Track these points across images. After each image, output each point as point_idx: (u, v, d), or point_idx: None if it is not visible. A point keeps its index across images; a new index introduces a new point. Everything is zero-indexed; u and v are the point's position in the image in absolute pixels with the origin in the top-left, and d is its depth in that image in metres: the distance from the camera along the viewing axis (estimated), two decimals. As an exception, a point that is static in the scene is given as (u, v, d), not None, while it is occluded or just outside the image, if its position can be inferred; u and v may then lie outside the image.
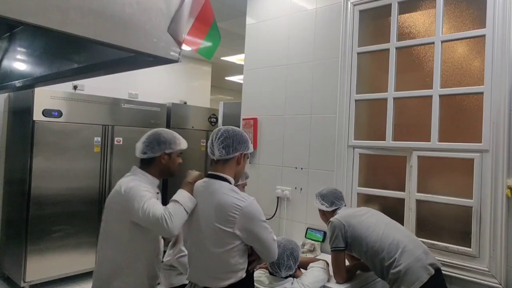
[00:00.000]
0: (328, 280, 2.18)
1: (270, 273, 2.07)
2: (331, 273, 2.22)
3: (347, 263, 2.29)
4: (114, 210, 1.76)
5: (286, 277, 2.03)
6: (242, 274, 1.65)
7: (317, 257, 2.55)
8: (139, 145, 1.87)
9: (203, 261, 1.65)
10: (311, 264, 2.21)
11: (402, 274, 1.93)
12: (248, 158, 1.85)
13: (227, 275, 1.62)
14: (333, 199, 2.35)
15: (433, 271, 1.95)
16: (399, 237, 2.06)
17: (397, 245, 2.00)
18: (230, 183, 1.69)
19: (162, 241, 1.95)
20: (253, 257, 1.72)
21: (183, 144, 1.92)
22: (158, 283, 1.93)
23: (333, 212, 2.32)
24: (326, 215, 2.36)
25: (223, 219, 1.58)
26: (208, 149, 1.76)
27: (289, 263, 2.01)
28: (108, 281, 1.74)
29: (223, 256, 1.60)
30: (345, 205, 2.39)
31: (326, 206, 2.34)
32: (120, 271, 1.74)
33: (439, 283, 2.02)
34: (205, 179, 1.74)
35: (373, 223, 2.15)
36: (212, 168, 1.75)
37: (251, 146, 1.78)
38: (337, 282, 2.18)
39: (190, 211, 1.66)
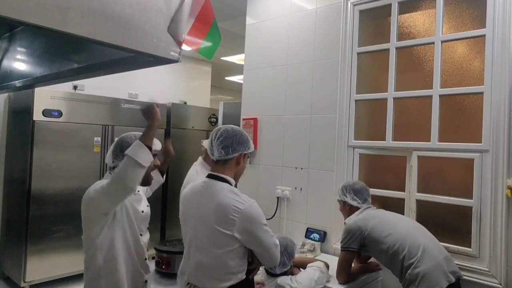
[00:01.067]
0: (328, 281, 2.16)
1: (266, 272, 2.06)
2: (330, 273, 2.19)
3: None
4: (83, 212, 1.74)
5: (281, 274, 2.01)
6: (242, 276, 1.63)
7: (317, 258, 2.55)
8: (108, 155, 1.87)
9: (203, 261, 1.62)
10: (309, 264, 2.21)
11: (420, 276, 1.87)
12: (248, 157, 1.82)
13: (226, 277, 1.60)
14: (366, 196, 2.28)
15: (453, 279, 1.90)
16: (422, 238, 2.00)
17: (419, 246, 1.94)
18: (230, 183, 1.67)
19: (147, 237, 1.92)
20: (254, 265, 1.69)
21: (156, 145, 1.84)
22: (146, 281, 1.89)
23: (357, 209, 2.25)
24: (351, 210, 2.26)
25: (222, 221, 1.56)
26: (208, 149, 1.74)
27: (283, 259, 1.97)
28: (92, 282, 1.74)
29: (222, 257, 1.58)
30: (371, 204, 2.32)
31: (358, 203, 2.25)
32: (104, 270, 1.72)
33: None
34: (205, 179, 1.72)
35: (395, 223, 2.10)
36: (212, 169, 1.73)
37: (251, 145, 1.74)
38: (339, 283, 2.16)
39: (141, 160, 1.57)
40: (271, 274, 2.03)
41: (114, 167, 1.81)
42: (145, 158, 1.60)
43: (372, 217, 2.15)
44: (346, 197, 2.29)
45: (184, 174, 2.55)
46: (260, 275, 2.05)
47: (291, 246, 2.06)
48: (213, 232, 1.57)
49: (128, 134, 1.89)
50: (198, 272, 1.65)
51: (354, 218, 2.19)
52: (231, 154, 1.67)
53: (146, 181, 1.81)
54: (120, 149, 1.80)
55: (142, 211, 1.88)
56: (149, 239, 1.95)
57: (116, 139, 1.89)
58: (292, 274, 2.08)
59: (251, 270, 1.69)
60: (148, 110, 1.70)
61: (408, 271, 1.92)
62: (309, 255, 2.68)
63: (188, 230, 1.70)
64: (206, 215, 1.61)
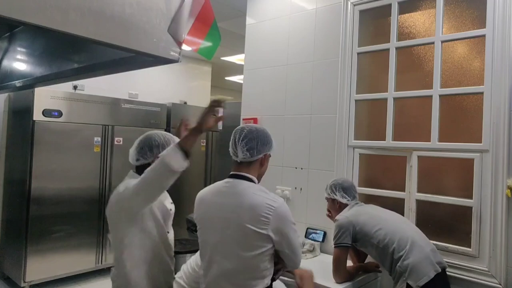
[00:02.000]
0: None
1: None
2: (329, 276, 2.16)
3: (349, 263, 2.26)
4: (113, 210, 1.73)
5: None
6: (268, 281, 1.57)
7: (316, 258, 2.54)
8: (131, 152, 1.83)
9: (230, 267, 1.53)
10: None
11: (410, 268, 1.94)
12: (270, 156, 1.75)
13: (254, 282, 1.52)
14: (354, 193, 2.33)
15: (439, 270, 1.97)
16: (409, 231, 2.07)
17: (408, 239, 2.01)
18: (255, 183, 1.62)
19: (172, 234, 1.89)
20: (280, 266, 1.64)
21: None
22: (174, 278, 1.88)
23: (346, 206, 2.29)
24: (341, 207, 2.30)
25: (255, 220, 1.49)
26: (230, 149, 1.66)
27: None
28: (122, 276, 1.73)
29: (253, 261, 1.51)
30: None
31: (348, 200, 2.29)
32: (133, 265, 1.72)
33: (445, 283, 2.03)
34: (228, 179, 1.64)
35: (384, 218, 2.16)
36: (235, 169, 1.65)
37: (274, 145, 1.69)
38: (336, 282, 2.15)
39: (176, 167, 1.50)
40: None
41: (139, 166, 1.79)
42: (181, 165, 1.52)
43: (362, 213, 2.21)
44: (336, 195, 2.33)
45: (184, 174, 2.54)
46: None
47: None
48: (245, 232, 1.50)
49: (155, 133, 1.87)
50: (222, 280, 1.55)
51: (345, 214, 2.23)
52: (256, 155, 1.62)
53: None
54: (149, 148, 1.78)
55: (170, 209, 1.86)
56: (174, 236, 1.94)
57: (141, 137, 1.85)
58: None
59: (277, 270, 1.64)
60: (213, 108, 1.55)
61: (398, 264, 1.98)
62: (309, 255, 2.68)
63: (211, 235, 1.60)
64: (235, 215, 1.53)
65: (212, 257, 1.59)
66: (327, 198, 2.41)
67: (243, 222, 1.50)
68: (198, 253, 1.84)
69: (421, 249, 1.99)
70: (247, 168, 1.63)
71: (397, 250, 2.00)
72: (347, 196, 2.31)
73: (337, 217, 2.24)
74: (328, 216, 2.45)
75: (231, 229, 1.53)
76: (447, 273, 2.10)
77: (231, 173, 1.66)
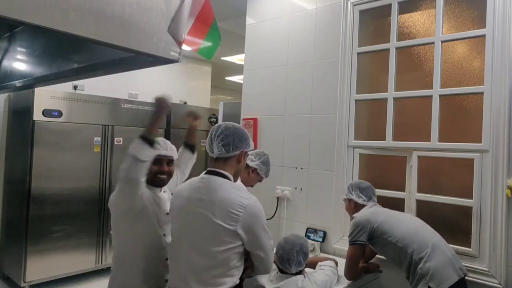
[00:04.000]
0: (338, 281, 2.14)
1: (280, 270, 2.02)
2: (340, 273, 2.17)
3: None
4: (112, 206, 1.78)
5: (296, 274, 1.97)
6: (237, 280, 1.58)
7: (321, 256, 2.54)
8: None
9: (199, 261, 1.54)
10: (320, 263, 2.17)
11: (432, 271, 1.89)
12: (248, 155, 1.81)
13: (222, 280, 1.53)
14: (371, 194, 2.31)
15: (462, 275, 1.94)
16: (431, 235, 2.04)
17: (429, 241, 1.97)
18: (230, 181, 1.64)
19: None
20: (248, 263, 1.65)
21: (171, 152, 1.89)
22: (166, 280, 1.84)
23: (362, 207, 2.27)
24: (357, 208, 2.29)
25: (225, 217, 1.51)
26: (207, 146, 1.68)
27: (299, 258, 1.94)
28: (112, 276, 1.81)
29: (222, 256, 1.52)
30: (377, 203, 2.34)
31: (364, 200, 2.28)
32: (120, 265, 1.78)
33: None
34: (203, 175, 1.66)
35: (403, 218, 2.15)
36: (211, 165, 1.67)
37: (251, 143, 1.71)
38: (347, 279, 2.15)
39: (141, 156, 1.61)
40: (285, 273, 1.98)
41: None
42: (145, 154, 1.63)
43: (381, 212, 2.19)
44: (352, 195, 2.31)
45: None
46: (274, 273, 2.00)
47: (306, 246, 2.01)
48: (214, 228, 1.52)
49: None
50: (189, 274, 1.55)
51: (363, 212, 2.20)
52: (232, 151, 1.63)
53: (156, 182, 1.84)
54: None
55: (167, 213, 1.84)
56: None
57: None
58: (303, 273, 2.02)
59: (245, 268, 1.64)
60: (161, 99, 1.73)
61: (419, 266, 1.93)
62: (309, 255, 2.67)
63: (182, 226, 1.62)
64: (206, 210, 1.55)
65: (181, 250, 1.60)
66: (344, 200, 2.39)
67: (214, 218, 1.52)
68: None
69: (443, 253, 1.95)
70: (222, 164, 1.65)
71: (417, 252, 1.95)
72: (363, 196, 2.28)
73: (355, 214, 2.22)
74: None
75: (201, 224, 1.55)
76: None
77: (208, 169, 1.68)
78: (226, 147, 1.62)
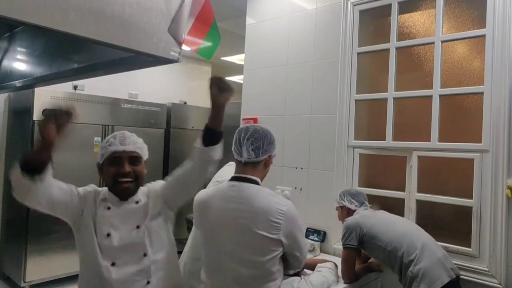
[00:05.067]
0: (337, 282, 2.13)
1: None
2: (339, 274, 2.18)
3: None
4: None
5: (292, 275, 1.95)
6: (280, 283, 1.56)
7: (320, 258, 2.54)
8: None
9: (245, 273, 1.50)
10: (319, 265, 2.17)
11: (422, 272, 1.89)
12: (274, 157, 1.73)
13: (267, 285, 1.51)
14: (363, 199, 2.34)
15: (454, 276, 1.92)
16: (420, 236, 2.04)
17: (418, 242, 1.98)
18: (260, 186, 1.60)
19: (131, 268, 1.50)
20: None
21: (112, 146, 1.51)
22: None
23: (354, 212, 2.29)
24: (349, 214, 2.30)
25: (268, 226, 1.47)
26: (234, 149, 1.60)
27: None
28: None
29: (267, 265, 1.49)
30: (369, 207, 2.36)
31: (356, 205, 2.30)
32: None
33: None
34: (233, 182, 1.58)
35: (393, 222, 2.15)
36: (240, 171, 1.60)
37: (276, 146, 1.67)
38: (344, 282, 2.15)
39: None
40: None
41: None
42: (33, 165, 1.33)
43: (371, 216, 2.21)
44: (344, 201, 2.34)
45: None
46: None
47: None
48: (258, 238, 1.47)
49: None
50: (233, 285, 1.53)
51: (353, 216, 2.23)
52: (262, 156, 1.58)
53: (118, 190, 1.48)
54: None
55: (108, 234, 1.41)
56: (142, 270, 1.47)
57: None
58: (301, 274, 2.02)
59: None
60: (51, 111, 1.32)
61: (410, 269, 1.93)
62: (309, 255, 2.67)
63: (224, 242, 1.55)
64: (247, 221, 1.49)
65: (225, 264, 1.55)
66: (337, 208, 2.40)
67: (256, 229, 1.48)
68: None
69: (433, 253, 1.95)
70: (252, 170, 1.59)
71: (406, 254, 1.96)
72: (355, 202, 2.31)
73: (346, 218, 2.23)
74: None
75: (244, 235, 1.51)
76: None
77: (236, 175, 1.61)
78: (256, 151, 1.57)
